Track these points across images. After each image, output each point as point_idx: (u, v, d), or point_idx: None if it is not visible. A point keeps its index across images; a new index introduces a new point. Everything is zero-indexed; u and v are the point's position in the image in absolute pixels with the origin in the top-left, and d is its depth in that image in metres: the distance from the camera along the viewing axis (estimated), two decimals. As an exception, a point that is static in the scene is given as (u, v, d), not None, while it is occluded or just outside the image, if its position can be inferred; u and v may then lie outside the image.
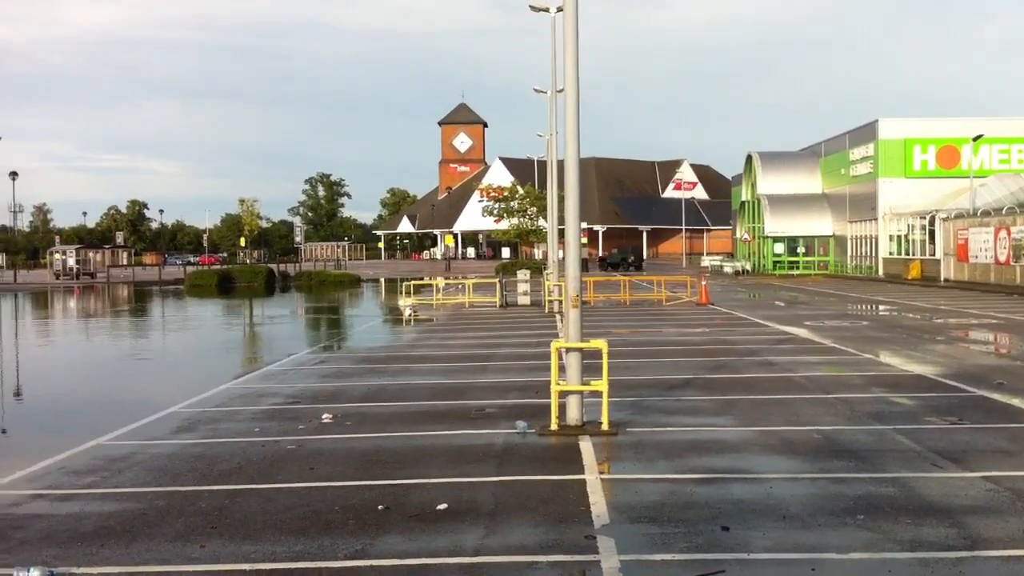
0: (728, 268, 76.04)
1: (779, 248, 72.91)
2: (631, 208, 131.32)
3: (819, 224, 71.47)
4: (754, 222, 76.95)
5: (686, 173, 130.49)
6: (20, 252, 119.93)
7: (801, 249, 72.87)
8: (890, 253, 61.78)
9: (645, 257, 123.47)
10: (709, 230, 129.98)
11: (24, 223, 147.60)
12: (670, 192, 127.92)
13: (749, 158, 78.23)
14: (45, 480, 10.33)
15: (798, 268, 71.80)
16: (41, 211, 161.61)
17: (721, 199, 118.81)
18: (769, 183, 73.92)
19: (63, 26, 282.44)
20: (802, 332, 25.26)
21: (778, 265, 72.26)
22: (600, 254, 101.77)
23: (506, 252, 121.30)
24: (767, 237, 72.67)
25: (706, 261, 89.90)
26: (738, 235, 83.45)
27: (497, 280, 40.40)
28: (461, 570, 7.14)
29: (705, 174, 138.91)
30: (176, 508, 9.01)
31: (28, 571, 7.08)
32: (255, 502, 9.16)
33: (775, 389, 15.59)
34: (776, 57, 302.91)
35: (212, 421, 13.79)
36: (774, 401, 14.46)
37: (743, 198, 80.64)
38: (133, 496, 9.54)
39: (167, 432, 12.97)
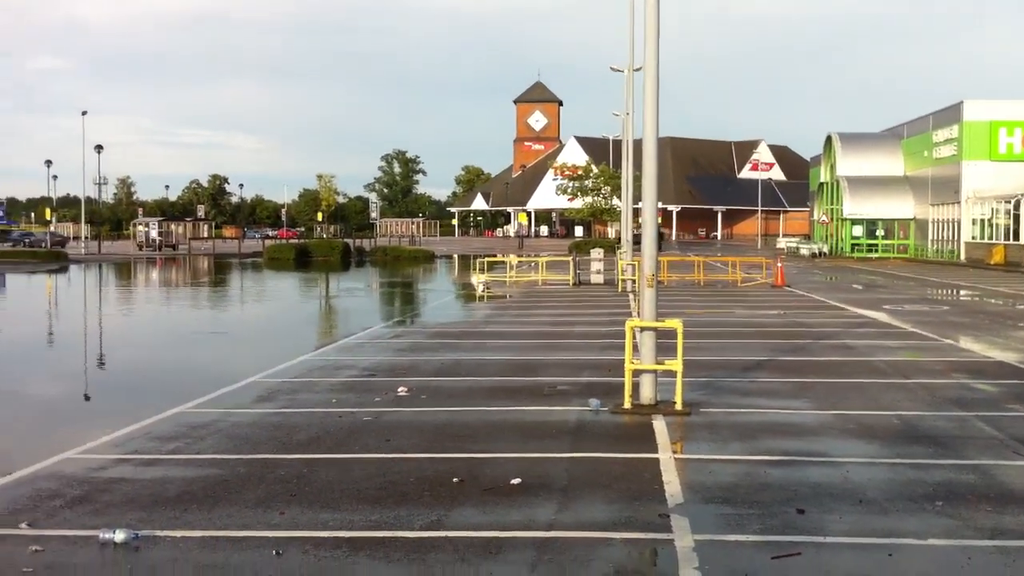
0: (804, 250, 75.03)
1: (858, 231, 71.68)
2: (706, 188, 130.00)
3: (899, 207, 70.07)
4: (832, 204, 75.72)
5: (763, 153, 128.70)
6: (104, 223, 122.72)
7: (880, 232, 71.59)
8: (973, 237, 60.38)
9: (719, 237, 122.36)
10: (785, 211, 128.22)
11: (108, 195, 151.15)
12: (746, 173, 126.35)
13: (829, 139, 76.94)
14: (130, 445, 10.61)
15: (877, 251, 70.56)
16: (125, 184, 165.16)
17: (798, 180, 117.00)
18: (849, 164, 72.65)
19: (150, 3, 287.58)
20: (881, 316, 24.85)
21: (856, 248, 71.09)
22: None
23: (579, 231, 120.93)
24: (846, 219, 71.48)
25: (782, 243, 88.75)
26: (815, 217, 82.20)
27: (570, 258, 40.37)
28: (535, 544, 7.20)
29: (783, 155, 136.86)
30: (256, 475, 9.21)
31: (114, 533, 7.29)
32: (333, 471, 9.33)
33: (852, 373, 15.39)
34: (858, 36, 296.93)
35: (291, 391, 14.05)
36: (851, 385, 14.28)
37: (821, 179, 79.36)
38: (215, 463, 9.77)
39: (247, 401, 13.24)
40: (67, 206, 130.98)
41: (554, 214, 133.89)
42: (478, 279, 37.49)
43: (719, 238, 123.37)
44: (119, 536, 7.26)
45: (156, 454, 10.18)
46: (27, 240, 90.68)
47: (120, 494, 8.62)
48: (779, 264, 39.19)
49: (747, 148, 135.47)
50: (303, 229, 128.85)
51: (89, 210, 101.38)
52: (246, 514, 7.98)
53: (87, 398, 15.68)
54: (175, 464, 9.76)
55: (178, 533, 7.47)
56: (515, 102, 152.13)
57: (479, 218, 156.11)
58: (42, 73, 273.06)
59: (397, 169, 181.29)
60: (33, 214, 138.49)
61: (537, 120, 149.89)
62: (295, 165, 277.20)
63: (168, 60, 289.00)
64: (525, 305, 29.46)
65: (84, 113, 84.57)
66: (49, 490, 8.74)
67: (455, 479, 8.95)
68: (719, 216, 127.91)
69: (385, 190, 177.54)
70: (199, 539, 7.34)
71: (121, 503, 8.34)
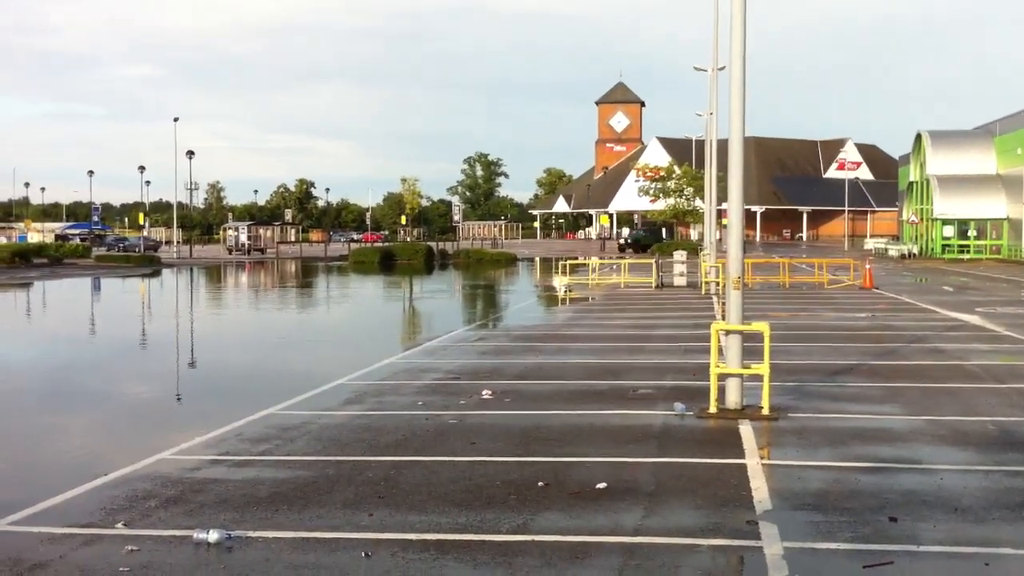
0: (893, 251, 73.47)
1: (948, 231, 69.94)
2: (791, 189, 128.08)
3: (992, 206, 68.17)
4: (922, 204, 74.03)
5: (850, 153, 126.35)
6: (195, 228, 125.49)
7: (972, 232, 69.74)
8: (1070, 237, 58.50)
9: (805, 238, 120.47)
10: (873, 212, 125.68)
11: (199, 200, 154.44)
12: (833, 172, 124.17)
13: (918, 137, 75.25)
14: (222, 446, 10.85)
15: (968, 252, 68.76)
16: (215, 189, 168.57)
17: (887, 180, 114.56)
18: (939, 163, 70.94)
19: (241, 12, 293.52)
20: (973, 319, 24.23)
21: (947, 249, 69.35)
22: (623, 235, 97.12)
23: (662, 232, 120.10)
24: (936, 219, 69.80)
25: (870, 244, 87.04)
26: (904, 217, 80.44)
27: (653, 260, 40.13)
28: (621, 549, 7.18)
29: (870, 154, 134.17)
30: (345, 477, 9.34)
31: (207, 534, 7.45)
32: (419, 474, 9.42)
33: (945, 377, 15.04)
34: (948, 33, 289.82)
35: (378, 394, 14.22)
36: (944, 390, 13.96)
37: (911, 179, 77.64)
38: (304, 464, 9.94)
39: (336, 403, 13.44)
40: (160, 211, 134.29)
41: (636, 216, 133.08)
42: (560, 282, 37.48)
43: (805, 239, 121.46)
44: (213, 536, 7.41)
45: (248, 455, 10.38)
46: (121, 244, 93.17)
47: (213, 494, 8.82)
48: (867, 265, 38.46)
49: (834, 147, 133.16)
50: (387, 232, 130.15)
51: (181, 215, 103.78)
52: (336, 515, 8.10)
53: (179, 399, 16.06)
54: (266, 465, 9.95)
55: (270, 534, 7.61)
56: (597, 103, 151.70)
57: (561, 220, 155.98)
58: (135, 81, 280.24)
59: (479, 172, 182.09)
60: (127, 219, 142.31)
61: (619, 121, 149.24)
62: (380, 169, 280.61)
63: (257, 67, 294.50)
64: (607, 308, 29.37)
65: (176, 120, 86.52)
66: (145, 490, 8.97)
67: (540, 483, 8.97)
68: (805, 217, 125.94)
69: (467, 193, 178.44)
70: (290, 540, 7.47)
71: (214, 503, 8.52)
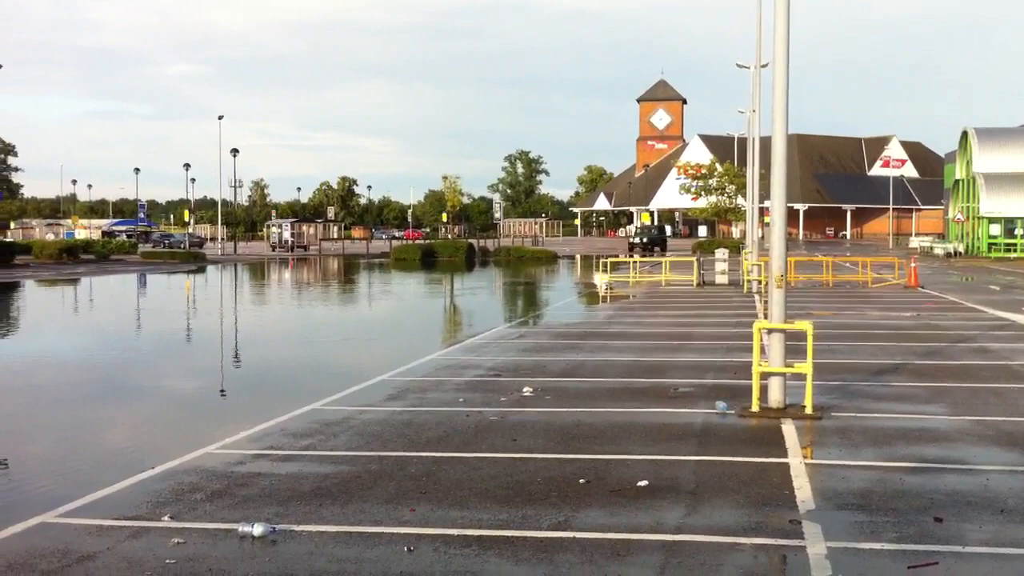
0: (939, 249, 72.59)
1: (995, 229, 69.00)
2: (834, 186, 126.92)
3: (1041, 204, 67.16)
4: (968, 201, 73.08)
5: (894, 150, 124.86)
6: (239, 225, 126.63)
7: (1019, 231, 68.72)
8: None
9: (849, 236, 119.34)
10: (918, 210, 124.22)
11: (243, 198, 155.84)
12: (877, 170, 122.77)
13: (965, 134, 74.28)
14: (266, 441, 10.96)
15: (1016, 251, 67.77)
16: (259, 186, 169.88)
17: (932, 177, 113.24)
18: (986, 160, 70.00)
19: (283, 9, 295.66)
20: (1020, 318, 23.89)
21: (993, 247, 68.44)
22: (631, 234, 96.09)
23: (703, 230, 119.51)
24: (982, 217, 68.89)
25: (915, 242, 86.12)
26: (950, 215, 79.44)
27: (694, 258, 39.95)
28: (663, 547, 7.18)
29: (915, 151, 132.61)
30: (387, 472, 9.41)
31: (252, 527, 7.54)
32: (461, 470, 9.47)
33: (991, 377, 14.86)
34: (996, 28, 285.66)
35: (419, 390, 14.29)
36: (990, 390, 13.79)
37: (957, 176, 76.66)
38: (347, 459, 10.02)
39: (377, 399, 13.53)
40: (204, 208, 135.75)
41: (677, 214, 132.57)
42: (601, 279, 37.39)
43: (848, 237, 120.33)
44: (257, 530, 7.50)
45: (291, 450, 10.48)
46: (167, 241, 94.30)
47: (257, 488, 8.91)
48: (912, 264, 38.04)
49: (878, 144, 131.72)
50: (428, 229, 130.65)
51: (225, 212, 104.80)
52: (378, 510, 8.16)
53: (224, 394, 16.24)
54: (309, 460, 10.04)
55: (314, 528, 7.68)
56: (638, 101, 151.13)
57: (601, 218, 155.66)
58: (180, 79, 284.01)
59: (520, 169, 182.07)
60: (172, 216, 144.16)
61: (660, 119, 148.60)
62: (421, 166, 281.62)
63: (300, 65, 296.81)
64: (648, 306, 29.29)
65: (221, 118, 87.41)
66: (190, 484, 9.08)
67: (581, 480, 8.98)
68: (848, 215, 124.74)
69: (508, 190, 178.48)
70: (333, 534, 7.54)
71: (258, 497, 8.61)
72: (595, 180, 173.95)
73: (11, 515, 8.22)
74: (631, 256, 57.86)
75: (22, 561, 6.98)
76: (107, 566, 6.89)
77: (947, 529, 7.53)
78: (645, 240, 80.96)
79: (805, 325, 12.10)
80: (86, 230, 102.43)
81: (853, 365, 16.08)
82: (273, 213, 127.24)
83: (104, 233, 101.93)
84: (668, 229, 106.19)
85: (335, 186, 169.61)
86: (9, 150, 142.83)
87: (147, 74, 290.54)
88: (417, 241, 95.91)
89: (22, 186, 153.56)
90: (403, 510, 8.15)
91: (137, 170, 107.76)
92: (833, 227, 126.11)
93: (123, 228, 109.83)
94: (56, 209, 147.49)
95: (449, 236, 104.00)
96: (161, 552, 7.15)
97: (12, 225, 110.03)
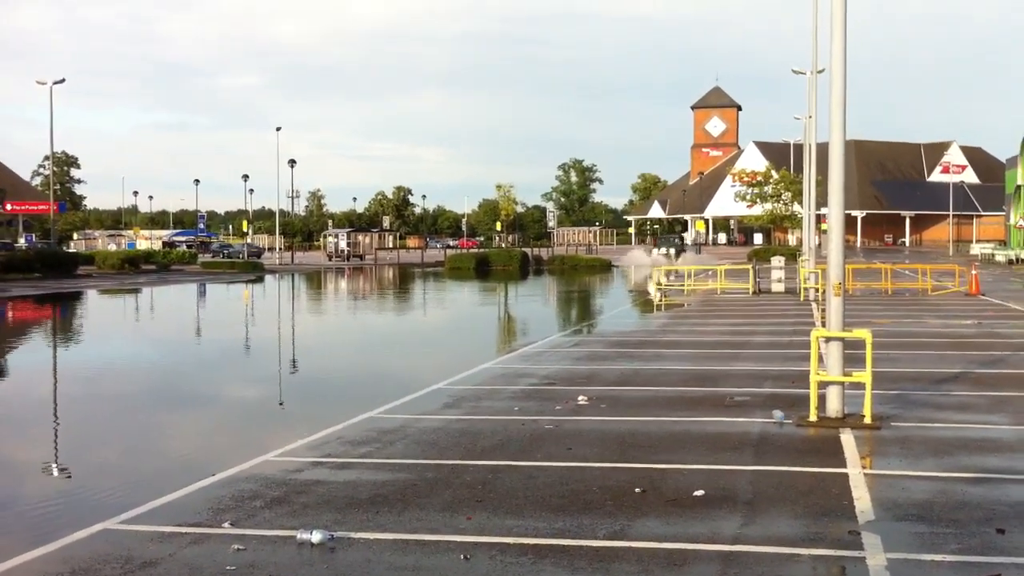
0: (1000, 256, 71.26)
1: (1059, 235, 67.59)
2: (893, 193, 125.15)
3: (1107, 209, 65.72)
4: (1031, 207, 71.66)
5: (954, 156, 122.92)
6: (297, 235, 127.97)
7: (1084, 236, 67.30)
8: None
9: (908, 243, 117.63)
10: (979, 216, 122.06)
11: (300, 208, 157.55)
12: (937, 176, 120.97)
13: (1026, 139, 72.87)
14: (324, 449, 11.06)
15: (1081, 257, 66.32)
16: (316, 196, 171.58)
17: (993, 183, 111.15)
18: (1050, 165, 68.58)
19: (339, 21, 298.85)
20: (1087, 326, 23.39)
21: (1057, 254, 67.01)
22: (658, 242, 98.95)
23: (758, 238, 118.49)
24: (1046, 223, 67.52)
25: (975, 248, 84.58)
26: (1012, 221, 77.93)
27: (750, 266, 39.65)
28: (720, 557, 7.14)
29: (976, 156, 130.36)
30: (443, 480, 9.45)
31: (311, 534, 7.62)
32: (516, 478, 9.49)
33: (1056, 387, 14.56)
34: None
35: (475, 398, 14.34)
36: (1055, 400, 13.51)
37: (1019, 181, 75.19)
38: (404, 467, 10.09)
39: (433, 407, 13.59)
40: (262, 218, 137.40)
41: (732, 221, 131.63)
42: (655, 287, 37.26)
43: (907, 244, 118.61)
44: (316, 537, 7.57)
45: (349, 457, 10.57)
46: (226, 251, 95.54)
47: (316, 496, 9.00)
48: (973, 271, 37.41)
49: (937, 150, 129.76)
50: (482, 238, 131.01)
51: (283, 222, 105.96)
52: (435, 518, 8.21)
53: (282, 402, 16.43)
54: (367, 468, 10.12)
55: (372, 535, 7.74)
56: (692, 108, 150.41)
57: (656, 226, 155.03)
58: (240, 90, 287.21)
59: (574, 178, 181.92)
60: (231, 226, 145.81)
61: (715, 126, 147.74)
62: (475, 175, 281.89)
63: (357, 75, 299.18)
64: (703, 314, 29.11)
65: (279, 129, 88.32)
66: (250, 491, 9.20)
67: (637, 489, 8.96)
68: (907, 221, 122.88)
69: (562, 199, 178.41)
70: (391, 542, 7.60)
71: (317, 505, 8.70)
72: (649, 188, 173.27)
73: (75, 522, 8.40)
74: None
75: (85, 567, 7.11)
76: (168, 572, 7.00)
77: (1010, 541, 7.39)
78: (663, 249, 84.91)
79: (864, 333, 11.97)
80: (147, 241, 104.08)
81: (913, 374, 15.85)
82: (329, 223, 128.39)
83: (165, 244, 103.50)
84: (701, 237, 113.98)
85: (390, 196, 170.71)
86: (72, 162, 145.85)
87: (207, 86, 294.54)
88: (471, 250, 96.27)
89: (85, 197, 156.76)
90: (459, 518, 8.19)
91: (197, 181, 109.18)
92: (892, 234, 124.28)
93: (183, 239, 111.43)
94: (118, 220, 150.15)
95: (503, 245, 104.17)
96: (221, 559, 7.25)
97: (75, 236, 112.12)
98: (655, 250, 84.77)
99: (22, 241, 73.99)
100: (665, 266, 44.62)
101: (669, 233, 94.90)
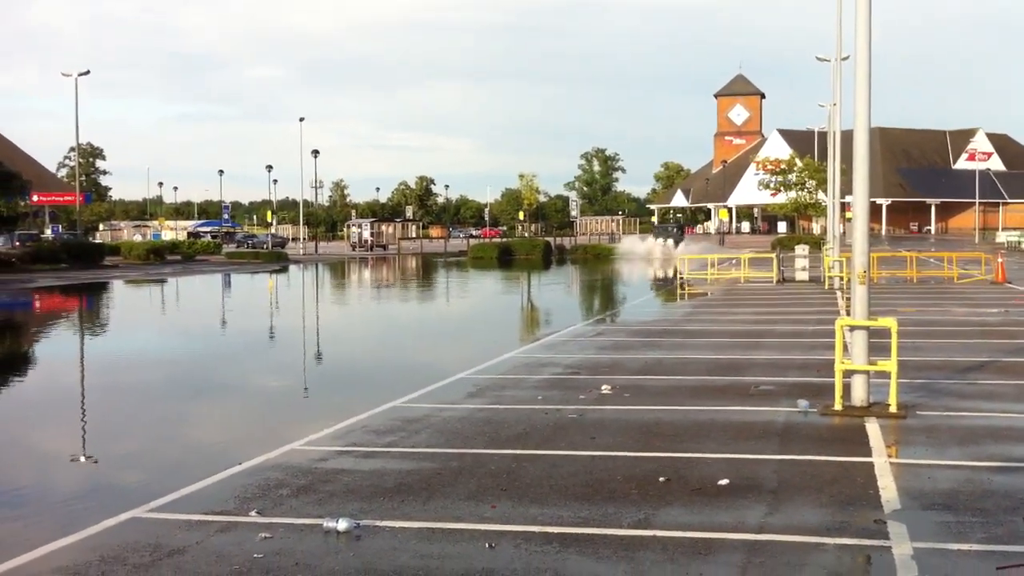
0: (1028, 244, 70.69)
1: (1088, 222, 66.93)
2: (918, 180, 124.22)
3: None
4: (1060, 194, 70.98)
5: (980, 143, 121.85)
6: (320, 225, 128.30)
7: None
8: None
9: (933, 231, 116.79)
10: (1006, 203, 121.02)
11: (324, 198, 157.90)
12: (962, 163, 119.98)
13: (1055, 125, 72.17)
14: (349, 438, 11.12)
15: (1110, 244, 65.69)
16: (339, 187, 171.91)
17: (1020, 170, 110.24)
18: (1078, 152, 67.90)
19: (362, 12, 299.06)
20: (1116, 315, 23.19)
21: (1087, 241, 66.37)
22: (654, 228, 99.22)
23: (782, 226, 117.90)
24: (1075, 211, 66.89)
25: (1002, 236, 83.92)
26: (1041, 208, 77.25)
27: (774, 255, 39.49)
28: (745, 546, 7.14)
29: (1002, 143, 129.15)
30: (468, 469, 9.49)
31: (337, 522, 7.67)
32: (540, 467, 9.51)
33: (1084, 375, 14.45)
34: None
35: (498, 388, 14.36)
36: (1083, 388, 13.41)
37: (1047, 168, 74.54)
38: (428, 456, 10.13)
39: (457, 397, 13.63)
40: (286, 209, 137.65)
41: (756, 210, 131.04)
42: (678, 276, 37.17)
43: (933, 232, 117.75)
44: (342, 525, 7.63)
45: (374, 447, 10.63)
46: (250, 241, 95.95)
47: (341, 484, 9.06)
48: (999, 259, 37.11)
49: (963, 137, 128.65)
50: (505, 228, 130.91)
51: (306, 212, 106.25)
52: (459, 507, 8.25)
53: (307, 391, 16.52)
54: (392, 457, 10.17)
55: (397, 524, 7.79)
56: (715, 96, 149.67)
57: (679, 215, 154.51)
58: (264, 82, 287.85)
59: (596, 167, 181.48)
60: (255, 216, 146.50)
61: (738, 114, 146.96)
62: (497, 165, 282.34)
63: (380, 66, 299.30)
64: (727, 303, 29.03)
65: (302, 120, 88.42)
66: (276, 479, 9.26)
67: (661, 478, 8.96)
68: (932, 209, 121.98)
69: (585, 188, 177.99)
70: (416, 530, 7.64)
71: (343, 493, 8.75)
72: (672, 177, 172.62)
73: (104, 509, 8.48)
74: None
75: (114, 555, 7.19)
76: (196, 560, 7.07)
77: (1038, 530, 7.36)
78: (661, 239, 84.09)
79: (889, 322, 11.91)
80: (172, 231, 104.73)
81: (939, 363, 15.77)
82: (353, 213, 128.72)
83: (189, 234, 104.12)
84: (724, 225, 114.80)
85: (413, 186, 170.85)
86: (98, 154, 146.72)
87: (231, 77, 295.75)
88: (494, 239, 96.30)
89: (110, 189, 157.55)
90: (484, 507, 8.22)
91: (221, 172, 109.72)
92: (917, 222, 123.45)
93: (208, 229, 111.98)
94: (143, 211, 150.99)
95: (526, 234, 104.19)
96: (249, 546, 7.32)
97: (101, 227, 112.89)
98: (654, 239, 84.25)
99: (48, 232, 74.52)
100: (667, 254, 44.48)
101: (665, 223, 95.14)
